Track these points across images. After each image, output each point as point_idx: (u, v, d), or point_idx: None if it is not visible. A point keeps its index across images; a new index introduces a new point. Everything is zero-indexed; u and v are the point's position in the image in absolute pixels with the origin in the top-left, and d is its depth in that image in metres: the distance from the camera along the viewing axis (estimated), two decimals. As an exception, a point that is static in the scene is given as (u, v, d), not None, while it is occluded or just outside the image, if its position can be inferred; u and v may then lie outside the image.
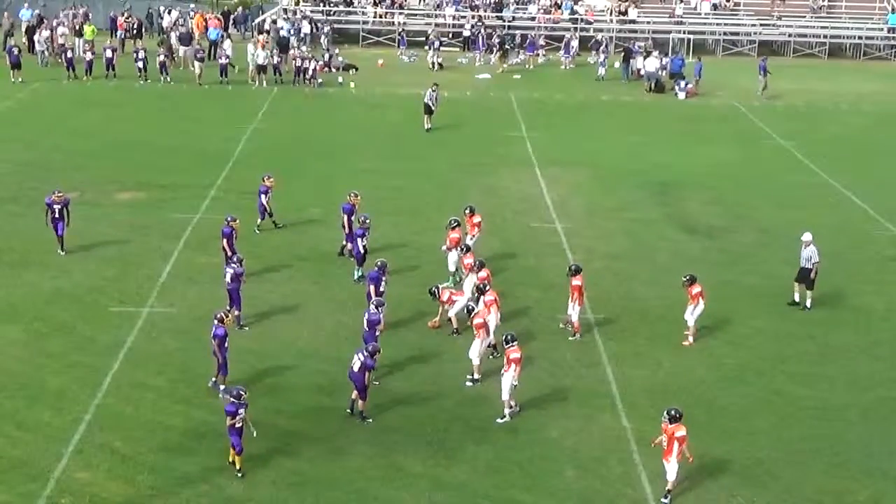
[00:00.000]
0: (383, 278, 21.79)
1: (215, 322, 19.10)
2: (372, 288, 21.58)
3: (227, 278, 21.76)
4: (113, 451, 17.22)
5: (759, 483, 17.04)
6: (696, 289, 21.71)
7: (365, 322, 19.88)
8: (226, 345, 19.06)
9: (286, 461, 17.16)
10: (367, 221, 24.31)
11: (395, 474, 16.75)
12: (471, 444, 17.83)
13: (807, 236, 23.77)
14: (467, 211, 25.31)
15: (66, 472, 16.60)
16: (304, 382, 19.73)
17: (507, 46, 52.29)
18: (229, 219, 24.18)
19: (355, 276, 24.17)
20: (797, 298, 23.81)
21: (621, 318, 22.96)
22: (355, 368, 18.24)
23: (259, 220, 27.09)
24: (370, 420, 18.37)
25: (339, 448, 17.55)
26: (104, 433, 17.73)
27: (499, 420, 18.53)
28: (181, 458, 17.13)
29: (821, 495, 16.79)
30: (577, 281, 21.80)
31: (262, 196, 27.03)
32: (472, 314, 20.64)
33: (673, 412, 16.69)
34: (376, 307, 20.19)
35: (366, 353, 18.30)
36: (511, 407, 18.69)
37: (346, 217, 25.16)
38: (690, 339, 21.80)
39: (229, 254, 23.52)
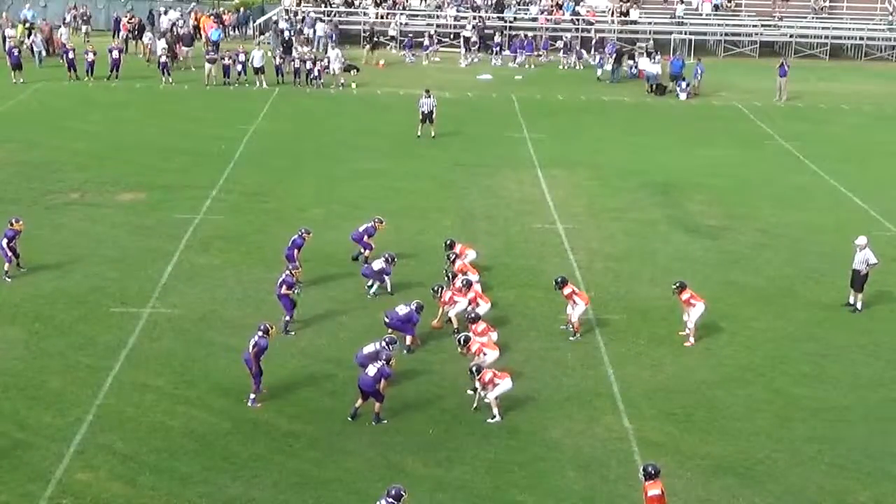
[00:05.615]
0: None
1: (259, 332, 18.82)
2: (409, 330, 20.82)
3: (276, 283, 21.71)
4: (114, 452, 17.22)
5: (759, 483, 17.02)
6: (685, 295, 21.74)
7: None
8: (262, 357, 18.77)
9: (288, 462, 17.16)
10: (395, 260, 23.43)
11: (397, 475, 16.73)
12: (472, 445, 17.83)
13: (861, 240, 23.71)
14: (447, 242, 24.14)
15: (67, 473, 16.59)
16: (306, 383, 19.71)
17: (375, 39, 53.01)
18: (302, 231, 23.86)
19: (372, 290, 23.51)
20: (851, 300, 23.76)
21: (622, 318, 22.93)
22: (370, 374, 18.23)
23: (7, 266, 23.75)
24: (385, 421, 18.34)
25: (341, 449, 17.55)
26: (105, 434, 17.73)
27: (489, 420, 18.51)
28: (182, 458, 17.13)
29: (822, 496, 16.77)
30: (567, 290, 21.90)
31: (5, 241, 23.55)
32: (465, 343, 19.69)
33: (650, 468, 15.22)
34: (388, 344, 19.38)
35: (382, 361, 18.36)
36: (476, 396, 18.75)
37: (366, 236, 24.71)
38: (691, 339, 21.79)
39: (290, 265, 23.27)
